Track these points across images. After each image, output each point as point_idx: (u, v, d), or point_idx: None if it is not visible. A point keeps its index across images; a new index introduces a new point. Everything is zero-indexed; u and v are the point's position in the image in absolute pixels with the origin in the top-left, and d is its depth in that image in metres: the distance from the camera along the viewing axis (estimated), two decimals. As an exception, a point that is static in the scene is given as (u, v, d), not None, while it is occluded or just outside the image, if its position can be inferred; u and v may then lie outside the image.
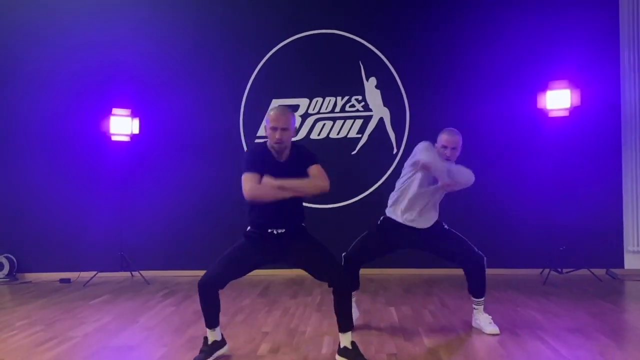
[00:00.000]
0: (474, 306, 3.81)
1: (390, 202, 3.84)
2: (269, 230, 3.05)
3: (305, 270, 3.15)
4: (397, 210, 3.75)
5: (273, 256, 3.14)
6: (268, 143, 3.00)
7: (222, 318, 3.75)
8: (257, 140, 6.25)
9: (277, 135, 2.90)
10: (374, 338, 3.61)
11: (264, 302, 4.76)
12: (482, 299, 3.78)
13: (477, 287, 3.75)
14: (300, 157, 3.03)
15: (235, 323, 4.01)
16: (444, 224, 3.81)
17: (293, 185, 2.85)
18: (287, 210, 3.03)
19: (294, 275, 6.04)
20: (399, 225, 3.74)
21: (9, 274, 6.26)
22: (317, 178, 2.94)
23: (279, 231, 3.05)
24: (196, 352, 3.20)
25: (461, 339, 3.55)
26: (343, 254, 3.90)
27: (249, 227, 3.14)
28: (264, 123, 3.15)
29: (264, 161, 2.95)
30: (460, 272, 3.80)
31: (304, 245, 3.13)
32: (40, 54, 6.45)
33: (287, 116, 2.94)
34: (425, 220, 3.72)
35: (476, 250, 3.69)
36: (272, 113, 2.95)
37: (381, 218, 3.89)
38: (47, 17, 6.49)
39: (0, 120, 6.47)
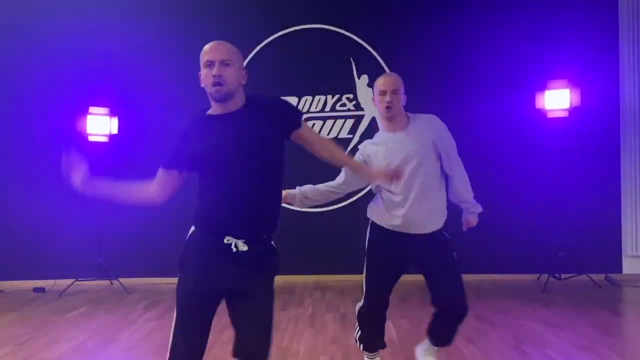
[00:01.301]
0: (430, 346, 2.88)
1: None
2: (226, 241, 1.94)
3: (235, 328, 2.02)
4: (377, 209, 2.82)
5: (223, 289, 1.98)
6: (208, 91, 1.99)
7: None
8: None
9: (215, 71, 1.93)
10: None
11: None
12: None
13: (443, 336, 2.82)
14: (265, 105, 2.05)
15: (223, 343, 3.72)
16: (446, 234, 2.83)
17: None
18: (256, 210, 1.98)
19: (282, 282, 5.78)
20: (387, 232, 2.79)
21: (-21, 283, 5.90)
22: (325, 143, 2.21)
23: (240, 246, 1.94)
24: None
25: (466, 359, 3.33)
26: (357, 308, 3.01)
27: (191, 230, 2.06)
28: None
29: (195, 135, 2.01)
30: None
31: (256, 289, 1.99)
32: (10, 47, 6.06)
33: (227, 46, 2.01)
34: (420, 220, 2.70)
35: (466, 296, 2.69)
36: (204, 47, 2.02)
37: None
38: (18, 9, 6.09)
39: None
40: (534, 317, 4.28)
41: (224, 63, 1.95)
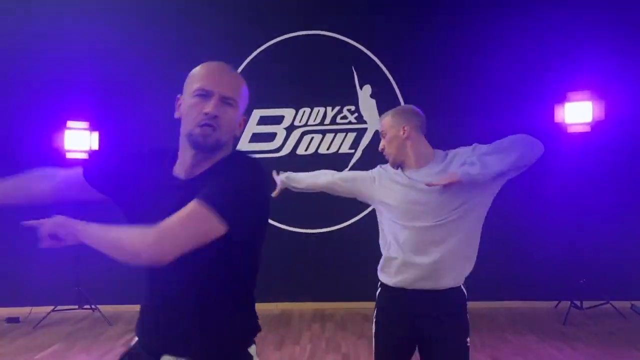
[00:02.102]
0: None
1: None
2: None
3: None
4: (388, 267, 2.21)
5: None
6: (183, 130, 1.46)
7: None
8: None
9: (210, 107, 1.38)
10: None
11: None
12: None
13: None
14: (234, 169, 1.42)
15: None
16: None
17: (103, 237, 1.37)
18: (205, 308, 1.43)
19: (278, 311, 5.35)
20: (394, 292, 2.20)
21: (-52, 311, 5.45)
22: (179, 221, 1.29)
23: None
24: None
25: None
26: None
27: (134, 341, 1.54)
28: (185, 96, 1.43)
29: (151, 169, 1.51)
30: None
31: None
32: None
33: (235, 78, 1.48)
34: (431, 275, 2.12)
35: None
36: (199, 69, 1.46)
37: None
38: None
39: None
40: (556, 357, 3.88)
41: (225, 101, 1.41)
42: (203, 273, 1.39)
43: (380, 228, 2.29)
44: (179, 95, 1.50)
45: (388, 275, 2.16)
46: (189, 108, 1.41)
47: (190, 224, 1.25)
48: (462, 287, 2.13)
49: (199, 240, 1.26)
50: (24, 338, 4.71)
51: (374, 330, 2.21)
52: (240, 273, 1.48)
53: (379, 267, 2.23)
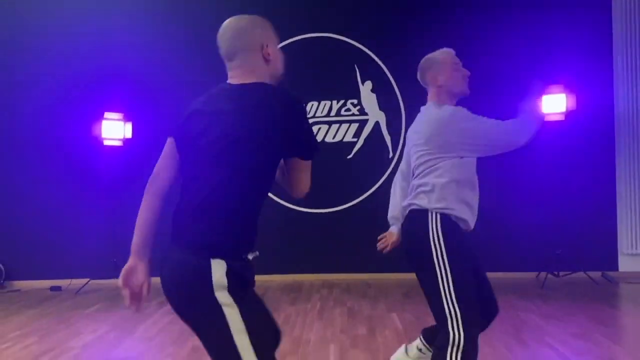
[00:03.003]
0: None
1: (434, 196, 2.32)
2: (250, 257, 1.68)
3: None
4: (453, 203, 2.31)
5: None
6: (273, 73, 1.84)
7: None
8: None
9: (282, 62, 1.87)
10: (381, 345, 3.57)
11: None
12: None
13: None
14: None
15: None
16: None
17: None
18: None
19: (290, 281, 5.99)
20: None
21: (-3, 282, 6.11)
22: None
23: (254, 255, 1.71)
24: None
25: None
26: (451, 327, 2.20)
27: (233, 253, 1.62)
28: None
29: None
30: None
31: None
32: (28, 55, 6.29)
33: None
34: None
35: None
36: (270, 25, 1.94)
37: (438, 221, 2.30)
38: (33, 10, 6.33)
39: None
40: (533, 310, 4.48)
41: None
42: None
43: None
44: (265, 44, 1.82)
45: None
46: (275, 57, 1.83)
47: None
48: None
49: None
50: (69, 301, 5.35)
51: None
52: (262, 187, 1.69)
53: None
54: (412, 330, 3.89)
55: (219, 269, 1.55)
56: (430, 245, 2.25)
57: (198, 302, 1.56)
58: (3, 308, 5.10)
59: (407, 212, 2.42)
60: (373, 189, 6.18)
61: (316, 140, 1.77)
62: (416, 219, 2.34)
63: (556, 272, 5.66)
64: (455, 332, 2.15)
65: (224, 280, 1.54)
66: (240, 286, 1.59)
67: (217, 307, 1.54)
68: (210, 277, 1.54)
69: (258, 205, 1.67)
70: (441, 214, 2.30)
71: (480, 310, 2.27)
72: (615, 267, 5.93)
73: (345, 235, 6.16)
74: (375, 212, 5.91)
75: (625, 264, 5.93)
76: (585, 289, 5.29)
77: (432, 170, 2.36)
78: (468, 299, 2.21)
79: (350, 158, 6.22)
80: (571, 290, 5.23)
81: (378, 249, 2.77)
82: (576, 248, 5.79)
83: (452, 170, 2.35)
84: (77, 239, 6.17)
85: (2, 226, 6.23)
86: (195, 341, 3.69)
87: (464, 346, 2.15)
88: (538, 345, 3.49)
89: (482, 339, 3.59)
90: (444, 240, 2.25)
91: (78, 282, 5.96)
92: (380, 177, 6.16)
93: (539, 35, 6.03)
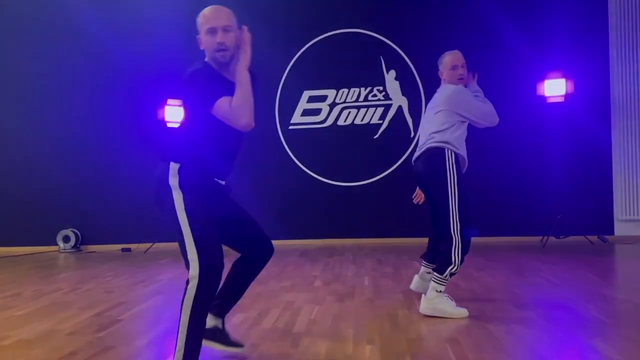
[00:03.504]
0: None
1: (446, 135, 3.29)
2: (217, 180, 2.29)
3: (232, 236, 2.38)
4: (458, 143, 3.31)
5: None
6: (208, 55, 2.21)
7: (275, 268, 4.73)
8: (292, 125, 7.15)
9: (219, 38, 2.12)
10: (405, 278, 4.46)
11: (305, 259, 5.64)
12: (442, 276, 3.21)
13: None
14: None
15: (288, 271, 4.88)
16: None
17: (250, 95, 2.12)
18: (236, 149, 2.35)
19: (326, 244, 6.91)
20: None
21: (74, 246, 7.15)
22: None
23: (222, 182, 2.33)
24: (266, 287, 4.08)
25: (475, 277, 4.39)
26: (453, 232, 3.15)
27: (191, 174, 2.18)
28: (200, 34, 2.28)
29: (222, 86, 2.13)
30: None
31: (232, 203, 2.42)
32: (103, 39, 7.31)
33: (226, 12, 2.18)
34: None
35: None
36: (204, 13, 2.18)
37: (447, 154, 3.24)
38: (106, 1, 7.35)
39: (64, 112, 7.34)
40: (533, 258, 5.31)
41: (225, 29, 2.14)
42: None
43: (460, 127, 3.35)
44: (198, 36, 2.21)
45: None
46: (206, 42, 2.17)
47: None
48: None
49: None
50: (141, 257, 6.36)
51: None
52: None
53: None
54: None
55: (174, 167, 2.17)
56: (447, 174, 3.20)
57: (165, 186, 2.16)
58: (87, 264, 6.07)
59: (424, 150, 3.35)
60: (397, 164, 7.06)
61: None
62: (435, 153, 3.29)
63: (557, 235, 6.46)
64: (457, 236, 3.09)
65: (176, 174, 2.16)
66: (188, 182, 2.15)
67: (170, 189, 2.15)
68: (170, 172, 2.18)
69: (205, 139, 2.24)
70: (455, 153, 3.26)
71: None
72: (611, 232, 6.71)
73: (373, 205, 7.05)
74: (399, 185, 6.87)
75: (621, 229, 6.70)
76: (582, 247, 6.06)
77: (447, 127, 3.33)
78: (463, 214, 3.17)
79: (376, 138, 7.11)
80: (569, 248, 6.01)
81: (414, 202, 3.79)
82: (576, 215, 6.55)
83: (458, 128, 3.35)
84: (140, 207, 7.09)
85: (79, 199, 7.27)
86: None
87: (462, 246, 3.11)
88: (533, 277, 4.33)
89: (487, 273, 4.47)
90: (455, 171, 3.21)
91: (144, 245, 6.96)
92: (403, 154, 7.03)
93: (541, 27, 6.78)
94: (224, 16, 2.15)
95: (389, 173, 7.09)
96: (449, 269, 3.14)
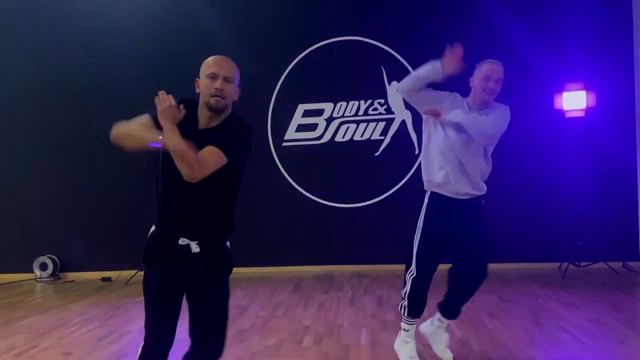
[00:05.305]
0: (439, 319, 3.24)
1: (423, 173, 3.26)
2: (180, 242, 2.15)
3: (190, 319, 2.25)
4: (432, 176, 3.18)
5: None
6: (201, 98, 2.20)
7: (264, 312, 4.10)
8: (286, 141, 6.61)
9: (218, 84, 2.14)
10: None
11: (299, 297, 5.08)
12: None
13: (456, 306, 3.18)
14: (234, 128, 2.20)
15: (276, 317, 4.33)
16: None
17: (177, 145, 1.99)
18: (209, 208, 2.19)
19: (322, 271, 6.36)
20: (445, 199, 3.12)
21: (52, 274, 6.63)
22: (207, 155, 2.05)
23: (193, 248, 2.16)
24: (248, 345, 3.53)
25: (489, 330, 3.84)
26: (408, 275, 3.13)
27: (152, 229, 2.27)
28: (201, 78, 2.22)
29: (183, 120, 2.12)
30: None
31: (211, 287, 2.25)
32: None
33: (232, 65, 2.22)
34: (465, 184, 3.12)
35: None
36: (209, 60, 2.22)
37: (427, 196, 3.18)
38: None
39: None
40: (553, 297, 4.76)
41: (227, 79, 2.16)
42: (214, 187, 2.12)
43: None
44: (197, 79, 2.23)
45: None
46: (204, 86, 2.17)
47: (212, 157, 2.04)
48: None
49: (215, 167, 2.05)
50: (121, 290, 5.85)
51: None
52: (233, 189, 2.23)
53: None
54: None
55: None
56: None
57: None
58: (62, 297, 5.60)
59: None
60: (400, 184, 6.49)
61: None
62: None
63: (577, 263, 5.89)
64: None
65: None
66: (146, 254, 2.25)
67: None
68: None
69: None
70: None
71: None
72: (636, 257, 6.12)
73: (374, 229, 6.49)
74: (402, 207, 6.27)
75: (647, 255, 6.13)
76: (605, 278, 5.51)
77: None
78: None
79: (377, 155, 6.54)
80: (591, 280, 5.46)
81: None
82: (598, 239, 5.97)
83: None
84: (125, 234, 6.60)
85: (57, 223, 6.75)
86: (240, 325, 4.09)
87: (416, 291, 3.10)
88: (554, 328, 3.78)
89: (502, 323, 3.92)
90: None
91: (126, 273, 6.43)
92: (407, 173, 6.45)
93: (559, 35, 6.20)
94: (229, 67, 2.20)
95: (392, 193, 6.53)
96: (400, 303, 3.14)
